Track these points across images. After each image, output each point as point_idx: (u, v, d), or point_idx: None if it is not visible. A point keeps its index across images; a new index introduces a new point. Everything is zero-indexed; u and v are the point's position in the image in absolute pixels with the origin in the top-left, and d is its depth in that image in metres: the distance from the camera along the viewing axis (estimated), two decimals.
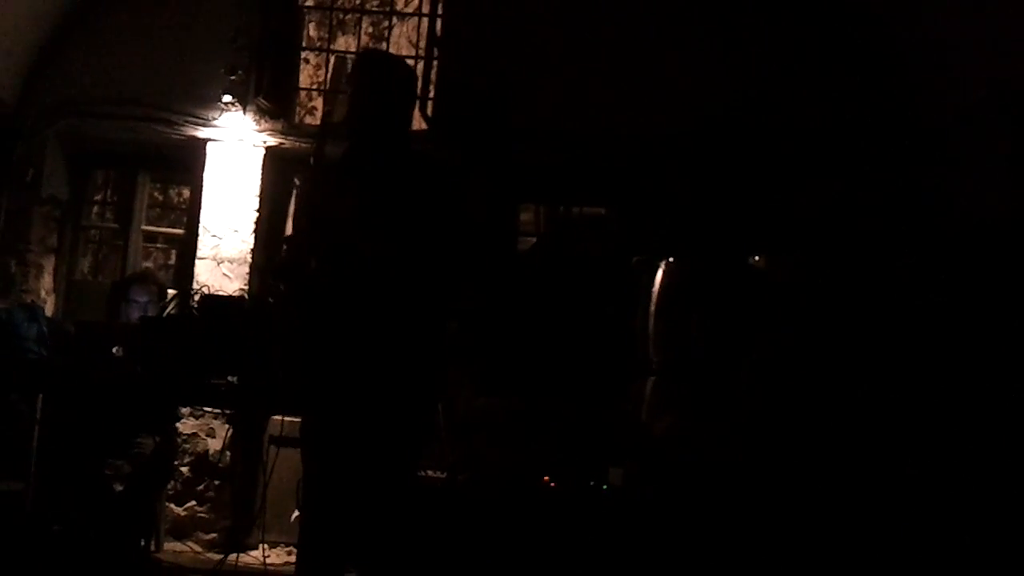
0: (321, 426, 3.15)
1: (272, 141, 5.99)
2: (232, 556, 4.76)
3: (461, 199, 3.28)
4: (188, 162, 6.08)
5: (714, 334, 3.49)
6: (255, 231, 5.94)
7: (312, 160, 3.24)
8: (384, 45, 6.68)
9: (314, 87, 6.94)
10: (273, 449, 4.21)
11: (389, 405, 3.07)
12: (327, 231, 3.17)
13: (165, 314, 4.62)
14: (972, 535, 4.09)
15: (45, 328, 4.43)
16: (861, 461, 4.33)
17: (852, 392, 4.56)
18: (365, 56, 3.56)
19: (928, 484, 4.31)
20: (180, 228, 6.38)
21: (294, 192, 6.06)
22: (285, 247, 3.39)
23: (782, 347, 3.72)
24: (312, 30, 6.83)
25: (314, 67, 7.03)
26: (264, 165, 6.00)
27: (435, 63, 6.08)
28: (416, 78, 3.42)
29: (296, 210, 3.40)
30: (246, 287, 5.87)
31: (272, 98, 6.02)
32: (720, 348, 3.48)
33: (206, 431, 5.79)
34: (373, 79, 3.24)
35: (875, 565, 4.08)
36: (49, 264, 6.15)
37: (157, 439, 4.69)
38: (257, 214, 5.95)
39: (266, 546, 5.10)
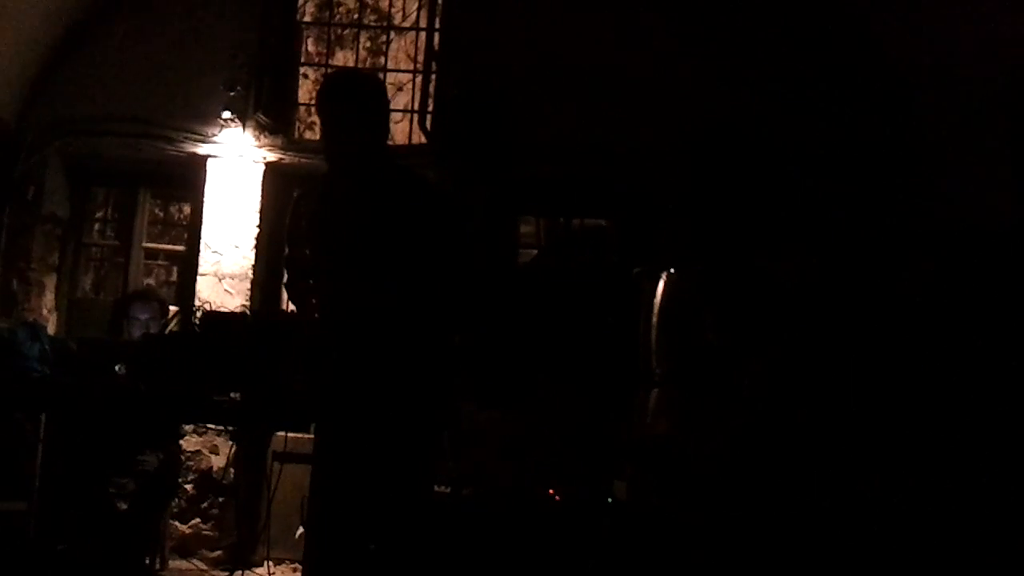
0: (332, 445, 3.15)
1: (272, 156, 6.01)
2: (237, 573, 4.76)
3: (455, 220, 3.27)
4: (188, 178, 6.09)
5: (727, 340, 3.49)
6: (256, 247, 5.95)
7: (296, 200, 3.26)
8: (382, 60, 6.69)
9: (313, 102, 6.94)
10: (277, 465, 4.20)
11: (398, 424, 3.07)
12: (320, 260, 3.17)
13: (167, 331, 4.63)
14: (977, 540, 4.08)
15: (47, 346, 4.42)
16: (867, 467, 4.32)
17: (855, 397, 4.56)
18: (324, 86, 3.52)
19: (933, 489, 4.30)
20: (181, 245, 6.38)
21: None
22: (286, 271, 3.41)
23: (786, 352, 3.72)
24: (310, 45, 6.83)
25: (313, 82, 7.02)
26: (264, 180, 6.01)
27: (433, 77, 6.09)
28: (383, 89, 3.39)
29: (289, 237, 3.41)
30: (248, 303, 5.87)
31: (271, 114, 6.04)
32: (727, 355, 3.48)
33: (210, 448, 5.78)
34: (339, 108, 3.21)
35: (881, 570, 4.07)
36: (50, 282, 6.15)
37: (161, 456, 4.68)
38: (258, 230, 5.96)
39: (271, 563, 5.09)
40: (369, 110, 3.25)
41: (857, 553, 4.09)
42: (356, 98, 3.24)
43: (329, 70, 6.54)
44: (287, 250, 3.39)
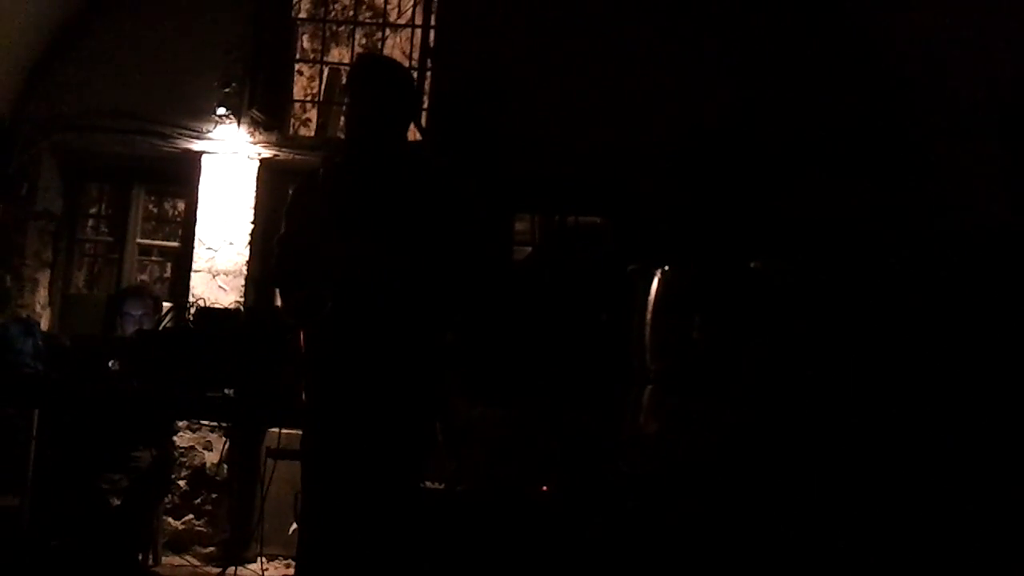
0: (323, 439, 3.14)
1: (267, 153, 6.00)
2: (230, 569, 4.75)
3: (463, 203, 3.25)
4: (183, 175, 6.08)
5: (715, 339, 3.50)
6: (250, 243, 5.94)
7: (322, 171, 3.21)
8: None
9: (308, 99, 6.94)
10: (270, 462, 4.20)
11: (390, 418, 3.06)
12: (326, 238, 3.13)
13: (161, 327, 4.62)
14: (970, 539, 4.08)
15: (41, 342, 4.42)
16: (858, 467, 4.33)
17: (848, 397, 4.56)
18: (361, 61, 3.52)
19: (924, 491, 4.31)
20: (175, 241, 6.38)
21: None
22: (277, 250, 3.35)
23: (778, 352, 3.73)
24: (306, 42, 6.83)
25: (308, 79, 7.04)
26: (259, 177, 6.00)
27: (428, 74, 6.09)
28: (413, 79, 3.39)
29: (289, 212, 3.35)
30: (242, 299, 5.86)
31: (266, 110, 6.02)
32: (720, 353, 3.49)
33: (203, 444, 5.77)
34: (371, 85, 3.20)
35: (875, 568, 4.08)
36: (44, 278, 6.14)
37: (154, 452, 4.68)
38: (252, 226, 5.95)
39: (264, 559, 5.09)
40: (402, 93, 3.25)
41: (850, 551, 4.09)
42: (393, 78, 3.23)
43: (324, 67, 6.55)
44: (283, 228, 3.34)
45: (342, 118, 3.38)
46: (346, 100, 3.27)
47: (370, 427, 3.06)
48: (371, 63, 3.58)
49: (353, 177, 3.17)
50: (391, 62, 3.83)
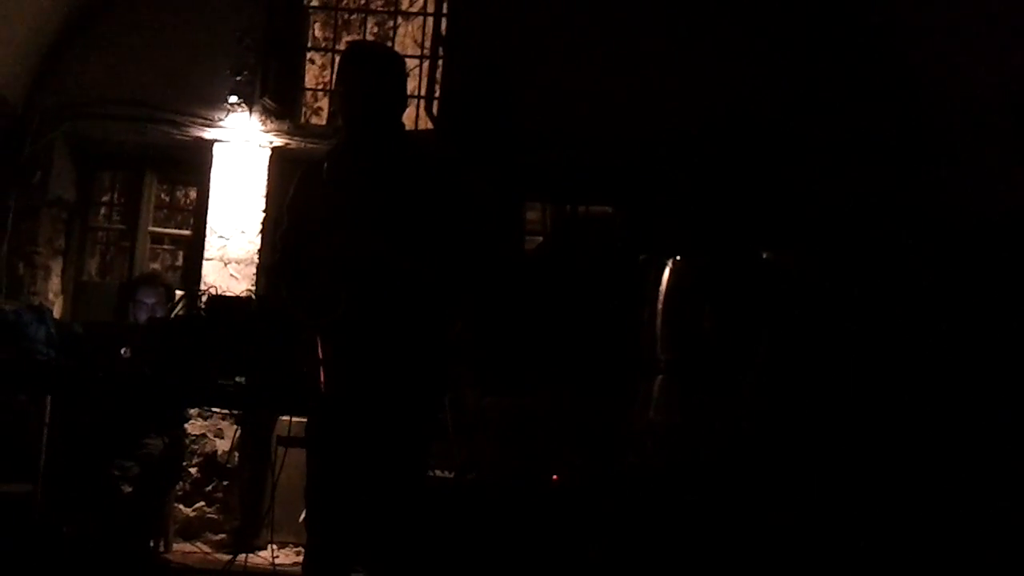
0: (327, 426, 3.14)
1: (278, 141, 6.00)
2: (241, 556, 4.76)
3: (468, 195, 3.24)
4: (195, 163, 6.09)
5: (727, 329, 3.48)
6: (262, 232, 5.95)
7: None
8: (389, 45, 6.68)
9: (320, 87, 6.94)
10: (281, 449, 4.21)
11: (397, 405, 3.06)
12: (327, 231, 3.12)
13: (173, 315, 4.63)
14: (977, 537, 4.07)
15: (53, 330, 4.43)
16: (868, 462, 4.32)
17: (860, 389, 4.55)
18: (350, 51, 3.49)
19: (933, 482, 4.29)
20: (187, 229, 6.39)
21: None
22: (281, 244, 3.34)
23: (790, 342, 3.71)
24: (317, 30, 6.83)
25: (320, 67, 7.04)
26: (270, 165, 6.01)
27: (440, 63, 6.08)
28: (404, 64, 3.36)
29: (291, 207, 3.34)
30: (253, 288, 5.87)
31: (278, 98, 6.03)
32: (732, 344, 3.48)
33: (214, 432, 5.80)
34: (362, 75, 3.18)
35: (878, 567, 4.07)
36: (57, 266, 6.16)
37: (166, 440, 4.70)
38: (264, 215, 5.96)
39: (275, 546, 5.10)
40: (394, 79, 3.22)
41: (857, 544, 4.09)
42: (383, 65, 3.21)
43: (336, 55, 6.54)
44: (285, 222, 3.33)
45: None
46: (339, 91, 3.24)
47: (377, 416, 3.06)
48: (360, 51, 3.54)
49: (354, 169, 3.15)
50: (380, 48, 3.79)
